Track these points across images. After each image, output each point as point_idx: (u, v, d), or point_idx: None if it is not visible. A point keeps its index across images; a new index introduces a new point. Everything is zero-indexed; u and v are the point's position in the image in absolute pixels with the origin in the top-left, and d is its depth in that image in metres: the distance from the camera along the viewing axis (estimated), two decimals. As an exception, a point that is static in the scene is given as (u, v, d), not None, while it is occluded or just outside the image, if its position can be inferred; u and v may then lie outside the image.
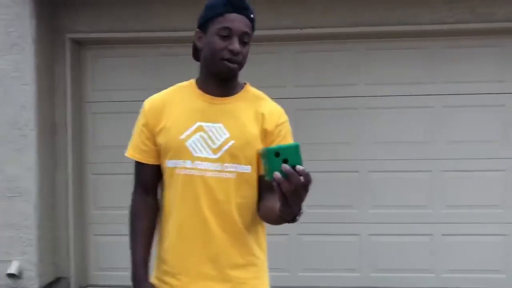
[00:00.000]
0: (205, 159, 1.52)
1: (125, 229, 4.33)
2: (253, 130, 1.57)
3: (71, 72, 4.36)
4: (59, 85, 4.36)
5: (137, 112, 4.41)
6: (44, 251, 4.17)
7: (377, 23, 4.19)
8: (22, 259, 4.05)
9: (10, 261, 4.05)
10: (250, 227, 1.60)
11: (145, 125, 1.61)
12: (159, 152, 1.61)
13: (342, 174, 4.36)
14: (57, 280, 4.37)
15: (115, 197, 4.51)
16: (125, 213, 4.36)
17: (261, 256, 1.65)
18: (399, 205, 4.32)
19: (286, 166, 1.13)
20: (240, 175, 1.55)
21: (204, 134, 1.53)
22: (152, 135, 1.60)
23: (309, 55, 4.40)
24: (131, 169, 3.87)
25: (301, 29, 4.22)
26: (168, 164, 1.57)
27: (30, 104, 4.02)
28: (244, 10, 1.50)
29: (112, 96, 4.53)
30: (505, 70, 4.27)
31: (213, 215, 1.53)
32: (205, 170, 1.52)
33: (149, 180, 1.66)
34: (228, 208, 1.54)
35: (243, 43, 1.52)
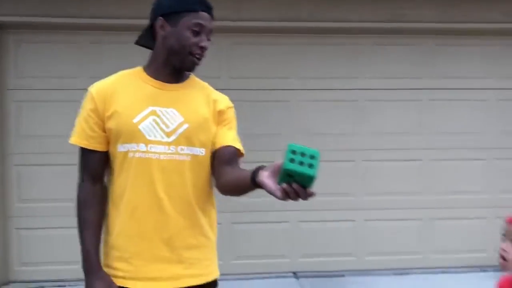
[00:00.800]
0: (159, 143, 1.54)
1: (52, 222, 4.24)
2: (206, 114, 1.63)
3: (-8, 57, 4.11)
4: (-22, 70, 4.11)
5: (64, 101, 4.29)
6: (-38, 246, 3.93)
7: (311, 19, 4.36)
8: None
9: None
10: (204, 208, 1.65)
11: (94, 110, 1.58)
12: (107, 138, 1.59)
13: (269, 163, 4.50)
14: (-24, 277, 4.14)
15: (42, 189, 4.36)
16: (53, 205, 4.27)
17: (213, 237, 1.70)
18: (327, 192, 4.54)
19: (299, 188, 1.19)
20: (195, 157, 1.59)
21: (157, 118, 1.55)
22: (101, 120, 1.58)
23: (244, 47, 4.49)
24: (60, 159, 3.79)
25: (233, 21, 4.27)
26: (119, 149, 1.56)
27: None
28: (211, 10, 1.60)
29: (38, 84, 4.34)
30: (421, 68, 4.62)
31: (168, 197, 1.55)
32: (160, 153, 1.54)
33: (97, 167, 1.63)
34: (183, 190, 1.57)
35: (207, 40, 1.59)
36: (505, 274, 1.70)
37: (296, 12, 4.35)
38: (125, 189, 1.57)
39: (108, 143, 1.60)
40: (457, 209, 4.66)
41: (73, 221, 3.99)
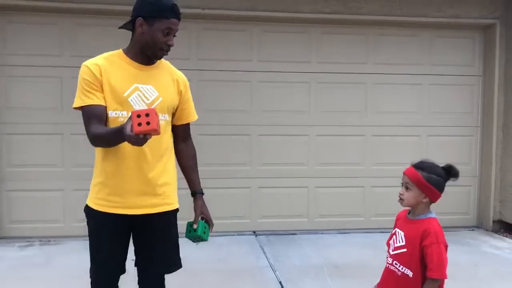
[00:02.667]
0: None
1: (38, 185, 4.77)
2: (173, 90, 2.24)
3: (-16, 36, 4.57)
4: (-28, 48, 4.57)
5: (52, 77, 4.83)
6: (-41, 204, 4.44)
7: (270, 10, 4.97)
8: None
9: None
10: (170, 157, 2.28)
11: (94, 78, 2.06)
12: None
13: (236, 136, 5.15)
14: (-28, 232, 4.66)
15: (29, 155, 4.88)
16: (38, 170, 4.81)
17: (175, 179, 2.33)
18: (283, 162, 5.21)
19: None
20: (166, 121, 2.22)
21: (140, 93, 2.14)
22: (100, 86, 2.07)
23: (212, 32, 5.06)
24: (45, 129, 4.44)
25: (203, 9, 4.85)
26: (110, 114, 2.10)
27: None
28: (179, 15, 2.12)
29: (25, 61, 4.82)
30: (368, 56, 5.30)
31: (148, 149, 2.13)
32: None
33: (102, 115, 2.07)
34: (159, 145, 2.18)
35: (174, 37, 2.17)
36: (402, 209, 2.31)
37: (253, 3, 4.94)
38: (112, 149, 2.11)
39: (104, 101, 2.10)
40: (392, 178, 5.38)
41: (57, 184, 4.64)
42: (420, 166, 2.11)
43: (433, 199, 2.12)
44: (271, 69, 5.17)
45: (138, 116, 1.70)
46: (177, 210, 2.32)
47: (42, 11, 4.78)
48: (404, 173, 2.14)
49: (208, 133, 5.11)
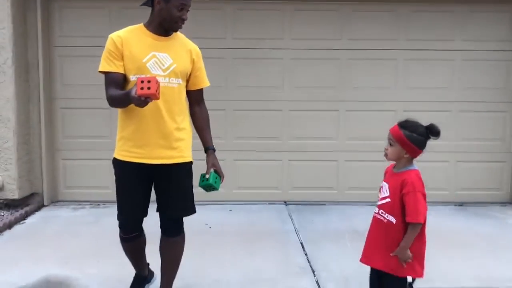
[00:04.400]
0: (159, 76, 2.44)
1: (89, 154, 5.29)
2: (186, 58, 2.58)
3: (41, 20, 5.09)
4: (31, 30, 5.10)
5: (99, 56, 5.31)
6: (22, 169, 5.03)
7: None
8: (4, 175, 4.91)
9: (-6, 176, 4.90)
10: (183, 118, 2.62)
11: (115, 48, 2.44)
12: (124, 67, 2.48)
13: (268, 112, 5.44)
14: (32, 195, 5.26)
15: (81, 128, 5.40)
16: (90, 141, 5.31)
17: (189, 136, 2.68)
18: (259, 136, 5.46)
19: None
20: (180, 85, 2.56)
21: (156, 60, 2.49)
22: (120, 55, 2.43)
23: (246, 12, 5.34)
24: (95, 104, 4.95)
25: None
26: (132, 78, 2.46)
27: (7, 45, 4.77)
28: None
29: (78, 42, 5.31)
30: (399, 32, 5.39)
31: (165, 109, 2.48)
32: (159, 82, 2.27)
33: (119, 81, 2.45)
34: (174, 105, 2.53)
35: (187, 12, 2.50)
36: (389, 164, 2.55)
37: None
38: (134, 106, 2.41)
39: (124, 70, 2.48)
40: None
41: (106, 154, 5.10)
42: (404, 125, 2.32)
43: (413, 155, 2.33)
44: (302, 47, 5.37)
45: (142, 82, 2.06)
46: (191, 162, 2.66)
47: (91, -4, 5.25)
48: (389, 131, 2.37)
49: (243, 109, 5.42)
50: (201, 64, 2.69)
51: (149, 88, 2.05)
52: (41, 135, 5.20)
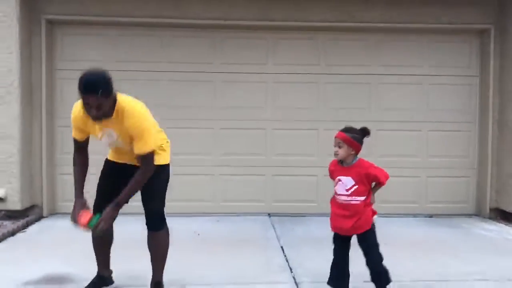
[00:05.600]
0: (113, 142, 2.97)
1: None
2: (126, 132, 2.87)
3: (45, 45, 5.57)
4: (35, 55, 5.57)
5: None
6: (24, 183, 5.40)
7: (283, 19, 5.73)
8: (8, 187, 5.27)
9: (-2, 188, 5.27)
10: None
11: (78, 125, 2.95)
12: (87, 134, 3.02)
13: (253, 130, 5.90)
14: (32, 207, 5.62)
15: (79, 145, 5.79)
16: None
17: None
18: (244, 153, 5.93)
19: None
20: (129, 148, 2.97)
21: (106, 133, 2.92)
22: (78, 128, 2.96)
23: (232, 40, 5.87)
24: None
25: (225, 20, 5.67)
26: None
27: (14, 68, 5.22)
28: (94, 91, 2.64)
29: (77, 65, 5.73)
30: (372, 59, 5.93)
31: (123, 154, 3.05)
32: (116, 145, 3.02)
33: (81, 145, 3.07)
34: (127, 154, 3.01)
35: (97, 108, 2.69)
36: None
37: (267, 13, 5.72)
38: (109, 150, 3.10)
39: (86, 135, 3.02)
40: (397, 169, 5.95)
41: (98, 169, 5.40)
42: (345, 130, 3.06)
43: (357, 150, 3.04)
44: (284, 71, 5.90)
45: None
46: (161, 166, 3.07)
47: (92, 24, 5.74)
48: (336, 137, 3.06)
49: (230, 127, 5.89)
50: (136, 136, 2.86)
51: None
52: (42, 152, 5.61)
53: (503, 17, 5.77)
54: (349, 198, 3.02)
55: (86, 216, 2.86)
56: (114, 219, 2.95)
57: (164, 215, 3.15)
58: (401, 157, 5.98)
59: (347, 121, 5.86)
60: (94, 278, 3.33)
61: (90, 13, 5.61)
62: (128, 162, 3.09)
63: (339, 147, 3.02)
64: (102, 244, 3.29)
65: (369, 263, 3.08)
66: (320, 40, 5.94)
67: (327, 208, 5.89)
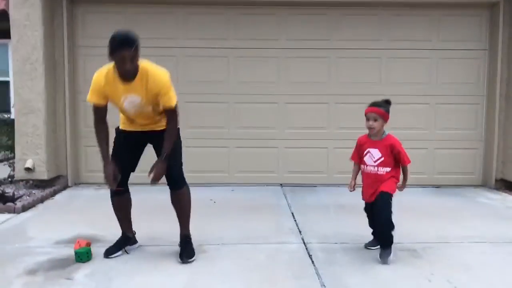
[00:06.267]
0: (135, 106, 3.17)
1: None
2: (150, 94, 3.12)
3: (67, 23, 5.84)
4: (58, 32, 5.85)
5: None
6: (50, 154, 5.75)
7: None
8: (35, 158, 5.63)
9: (26, 159, 5.61)
10: (158, 115, 3.29)
11: (99, 89, 3.14)
12: (107, 99, 3.20)
13: (266, 104, 6.14)
14: (58, 177, 5.99)
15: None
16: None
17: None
18: (258, 126, 6.17)
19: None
20: (154, 107, 3.21)
21: (128, 99, 3.13)
22: (103, 93, 3.14)
23: (246, 16, 6.06)
24: None
25: (238, -3, 5.87)
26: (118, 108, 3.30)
27: (39, 46, 5.51)
28: (129, 45, 2.97)
29: (98, 42, 6.02)
30: (382, 33, 6.08)
31: (145, 119, 3.27)
32: (136, 110, 3.21)
33: (101, 111, 3.26)
34: (151, 116, 3.26)
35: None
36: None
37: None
38: (123, 114, 3.32)
39: (106, 101, 3.21)
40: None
41: None
42: (378, 104, 3.36)
43: (387, 121, 3.37)
44: (296, 47, 6.09)
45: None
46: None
47: (111, 2, 5.98)
48: (371, 111, 3.34)
49: (244, 102, 6.13)
50: (157, 91, 3.13)
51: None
52: (66, 124, 5.93)
53: (513, -10, 5.84)
54: (376, 169, 3.33)
55: (81, 243, 3.37)
56: (165, 170, 3.20)
57: (183, 174, 3.43)
58: (409, 129, 6.14)
59: (357, 94, 6.11)
60: (119, 238, 3.63)
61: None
62: (146, 129, 3.30)
63: (375, 120, 3.30)
64: (123, 209, 3.60)
65: (377, 224, 3.41)
66: (330, 16, 6.08)
67: (337, 179, 6.24)
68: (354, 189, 3.53)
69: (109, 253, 3.47)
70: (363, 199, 3.51)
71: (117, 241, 3.61)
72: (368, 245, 3.59)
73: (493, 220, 4.54)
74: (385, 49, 6.13)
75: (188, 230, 3.49)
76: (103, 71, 3.19)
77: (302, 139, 6.20)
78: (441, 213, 4.83)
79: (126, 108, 3.22)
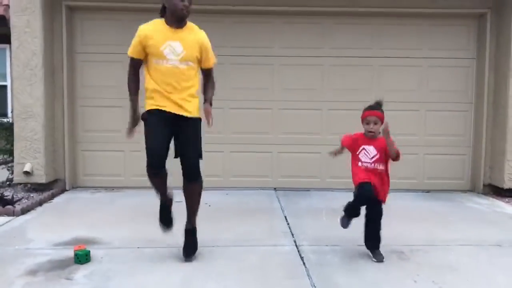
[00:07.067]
0: (173, 60, 3.27)
1: (105, 146, 6.21)
2: (195, 46, 3.33)
3: (66, 30, 5.96)
4: (57, 39, 5.97)
5: (114, 61, 6.24)
6: (48, 158, 5.86)
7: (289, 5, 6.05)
8: (34, 162, 5.74)
9: (25, 163, 5.72)
10: (191, 89, 3.39)
11: (139, 40, 3.29)
12: (146, 54, 3.32)
13: (260, 110, 6.27)
14: (56, 180, 6.09)
15: (97, 123, 6.24)
16: (106, 135, 6.22)
17: (196, 100, 3.46)
18: (252, 131, 6.33)
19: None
20: (190, 67, 3.34)
21: (170, 47, 3.30)
22: (143, 45, 3.29)
23: (240, 25, 6.21)
24: (111, 102, 5.95)
25: (233, 6, 6.01)
26: (153, 61, 3.31)
27: (39, 52, 5.63)
28: None
29: (95, 49, 6.18)
30: (373, 42, 6.24)
31: (177, 83, 3.32)
32: (173, 64, 3.28)
33: (137, 64, 3.39)
34: (184, 81, 3.34)
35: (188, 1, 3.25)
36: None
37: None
38: (157, 78, 3.32)
39: (144, 56, 3.35)
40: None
41: (119, 146, 5.99)
42: (376, 107, 3.50)
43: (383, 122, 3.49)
44: (290, 54, 6.24)
45: None
46: (199, 119, 3.47)
47: (108, 10, 6.11)
48: (371, 115, 3.47)
49: (239, 107, 6.27)
50: (205, 48, 3.40)
51: None
52: (64, 129, 6.05)
53: (500, 1, 6.02)
54: (373, 165, 3.47)
55: (80, 246, 3.52)
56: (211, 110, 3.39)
57: (199, 166, 3.52)
58: (400, 135, 6.17)
59: (349, 101, 6.26)
60: (161, 205, 3.65)
61: (107, -1, 5.98)
62: (172, 109, 3.32)
63: (375, 123, 3.46)
64: (162, 182, 3.53)
65: (370, 228, 3.55)
66: (324, 25, 6.25)
67: (329, 183, 6.39)
68: (336, 155, 3.69)
69: (168, 221, 3.65)
70: (357, 179, 3.49)
71: (160, 210, 3.66)
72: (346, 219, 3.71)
73: (479, 224, 4.69)
74: (377, 57, 6.29)
75: (195, 223, 3.61)
76: (151, 22, 3.39)
77: (296, 144, 6.35)
78: (429, 217, 4.98)
79: (165, 54, 3.27)
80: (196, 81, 3.46)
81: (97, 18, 6.17)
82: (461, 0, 6.09)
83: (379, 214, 3.51)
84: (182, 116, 3.35)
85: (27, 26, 5.60)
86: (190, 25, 3.42)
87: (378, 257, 3.50)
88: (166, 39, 3.31)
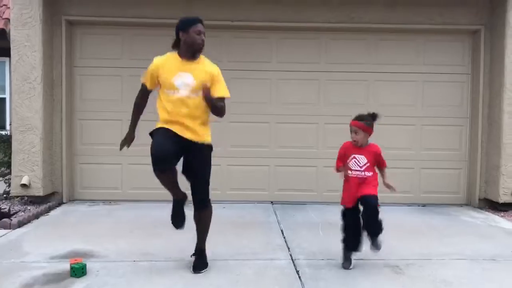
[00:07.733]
0: (184, 90, 3.34)
1: (103, 159, 6.23)
2: (206, 76, 3.39)
3: (65, 44, 6.03)
4: (56, 53, 6.03)
5: (113, 75, 6.30)
6: (46, 171, 5.88)
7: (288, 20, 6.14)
8: (31, 175, 5.75)
9: (22, 176, 5.74)
10: (202, 116, 3.46)
11: (153, 71, 3.42)
12: (157, 85, 3.44)
13: (258, 124, 6.32)
14: (53, 193, 6.10)
15: (95, 137, 6.27)
16: (103, 147, 6.23)
17: (208, 127, 3.55)
18: (250, 145, 6.38)
19: None
20: (199, 97, 3.39)
21: (181, 78, 3.37)
22: (156, 76, 3.41)
23: (239, 40, 6.29)
24: (108, 116, 6.02)
25: (232, 21, 6.09)
26: (165, 91, 3.40)
27: (38, 65, 5.69)
28: (202, 21, 3.43)
29: (95, 63, 6.24)
30: (369, 57, 6.32)
31: (188, 112, 3.37)
32: (185, 95, 3.35)
33: (146, 92, 3.54)
34: (194, 108, 3.39)
35: (204, 37, 3.42)
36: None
37: (272, 15, 6.12)
38: (169, 107, 3.37)
39: (155, 86, 3.46)
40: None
41: (116, 159, 6.02)
42: (359, 118, 3.58)
43: (370, 134, 3.61)
44: (287, 69, 6.31)
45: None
46: (209, 146, 3.58)
47: (108, 25, 6.18)
48: (351, 124, 3.59)
49: (237, 121, 6.31)
50: (216, 80, 3.48)
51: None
52: (62, 142, 6.08)
53: (493, 18, 6.12)
54: (363, 173, 3.58)
55: (77, 260, 3.54)
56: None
57: (209, 193, 3.60)
58: (396, 149, 6.34)
59: (346, 115, 6.28)
60: (174, 204, 3.67)
61: (107, 14, 6.05)
62: (185, 135, 3.37)
63: (355, 133, 3.55)
64: (171, 180, 3.52)
65: (371, 219, 3.57)
66: (321, 40, 6.33)
67: (326, 197, 6.41)
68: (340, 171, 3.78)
69: (180, 219, 3.67)
70: (343, 204, 3.69)
71: (173, 208, 3.68)
72: (345, 266, 3.68)
73: (475, 238, 4.71)
74: (373, 72, 6.37)
75: (204, 244, 3.69)
76: (164, 55, 3.50)
77: (293, 158, 6.39)
78: (425, 231, 5.00)
79: (177, 86, 3.35)
80: (207, 110, 3.52)
81: (97, 33, 6.24)
82: (456, 17, 6.19)
83: (374, 210, 3.53)
84: (192, 142, 3.42)
85: (27, 40, 5.66)
86: (202, 57, 3.51)
87: (377, 245, 3.62)
88: (177, 71, 3.40)
